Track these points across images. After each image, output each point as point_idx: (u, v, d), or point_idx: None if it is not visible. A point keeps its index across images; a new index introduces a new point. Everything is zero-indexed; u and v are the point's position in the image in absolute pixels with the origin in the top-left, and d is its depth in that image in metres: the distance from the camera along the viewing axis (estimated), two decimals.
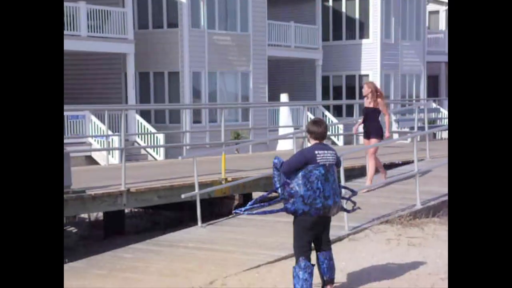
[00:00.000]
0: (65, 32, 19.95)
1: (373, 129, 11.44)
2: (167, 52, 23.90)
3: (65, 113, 19.39)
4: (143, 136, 22.30)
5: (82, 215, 12.94)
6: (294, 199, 6.49)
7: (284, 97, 23.51)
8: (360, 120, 12.06)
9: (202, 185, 10.99)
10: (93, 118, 20.78)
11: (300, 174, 6.50)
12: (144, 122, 22.37)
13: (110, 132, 18.43)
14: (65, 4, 20.22)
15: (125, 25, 22.35)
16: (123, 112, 11.52)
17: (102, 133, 19.88)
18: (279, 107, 24.49)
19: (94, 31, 21.62)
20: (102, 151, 19.70)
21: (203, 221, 10.43)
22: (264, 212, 6.94)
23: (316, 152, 6.59)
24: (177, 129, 23.10)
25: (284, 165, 6.61)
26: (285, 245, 7.54)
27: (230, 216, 11.09)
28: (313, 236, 6.69)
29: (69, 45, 19.38)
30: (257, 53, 26.35)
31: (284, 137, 18.24)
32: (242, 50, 25.82)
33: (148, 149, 22.05)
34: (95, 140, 20.69)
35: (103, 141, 19.92)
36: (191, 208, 11.18)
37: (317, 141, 6.73)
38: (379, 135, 11.49)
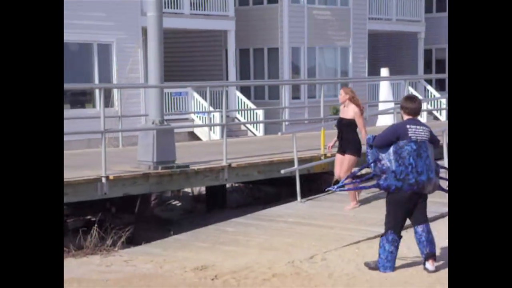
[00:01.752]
0: (169, 10, 20.39)
1: (350, 142, 9.46)
2: (267, 28, 23.98)
3: (169, 90, 19.94)
4: (243, 112, 22.58)
5: (186, 190, 13.33)
6: (386, 175, 6.53)
7: (384, 72, 23.12)
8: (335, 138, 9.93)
9: (301, 161, 11.06)
10: (195, 95, 21.23)
11: (391, 149, 6.53)
12: (244, 99, 22.64)
13: (211, 109, 18.79)
14: None
15: (226, 2, 22.60)
16: (224, 89, 11.73)
17: (204, 110, 20.30)
18: (379, 82, 24.12)
19: (196, 9, 22.00)
20: (204, 127, 20.14)
21: (302, 196, 10.53)
22: (356, 189, 6.99)
23: (408, 126, 6.60)
24: (276, 105, 23.23)
25: (376, 139, 6.67)
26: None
27: (329, 191, 11.12)
28: (406, 213, 6.71)
29: (172, 23, 19.83)
30: (357, 27, 25.98)
31: (384, 112, 17.98)
32: (342, 24, 25.54)
33: (248, 125, 22.33)
34: (197, 116, 21.17)
35: (205, 117, 20.35)
36: (290, 183, 11.29)
37: (410, 117, 6.73)
38: (356, 150, 9.49)
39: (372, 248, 7.60)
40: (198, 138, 20.42)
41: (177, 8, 21.34)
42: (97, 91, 17.83)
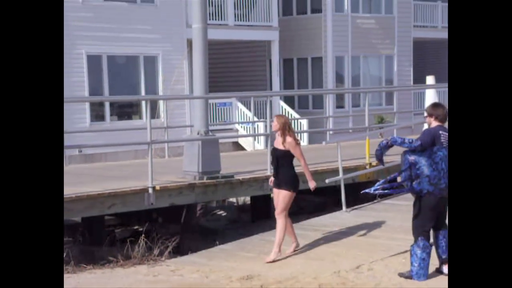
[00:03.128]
0: (213, 22, 20.58)
1: (284, 176, 8.16)
2: (311, 37, 24.00)
3: (213, 101, 20.09)
4: None
5: (231, 199, 13.40)
6: (420, 179, 6.65)
7: (430, 80, 22.83)
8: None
9: (346, 170, 11.02)
10: (240, 105, 21.35)
11: (425, 155, 6.66)
12: (288, 108, 22.66)
13: (255, 119, 18.87)
14: None
15: (270, 12, 22.70)
16: (268, 99, 11.78)
17: (248, 120, 20.39)
18: (425, 90, 23.86)
19: (241, 20, 22.16)
20: (248, 137, 20.23)
21: (348, 206, 10.48)
22: (391, 192, 7.03)
23: (441, 132, 6.75)
24: (320, 114, 23.18)
25: (418, 143, 6.68)
26: None
27: (375, 201, 11.05)
28: (435, 216, 6.82)
29: (216, 34, 20.01)
30: (402, 35, 25.79)
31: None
32: (387, 32, 25.39)
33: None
34: (241, 127, 21.27)
35: (249, 127, 20.43)
36: (335, 193, 11.25)
37: (439, 123, 6.86)
38: (292, 186, 8.15)
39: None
40: (242, 148, 20.51)
41: (221, 19, 21.53)
42: (143, 103, 18.10)
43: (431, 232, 6.95)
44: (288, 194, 8.09)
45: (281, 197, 8.11)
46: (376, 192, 7.04)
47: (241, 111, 21.40)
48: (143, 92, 19.67)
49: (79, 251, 9.23)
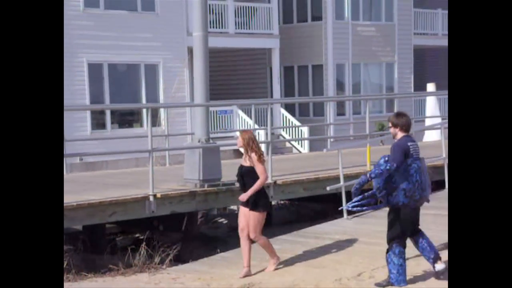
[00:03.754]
0: (214, 29, 20.63)
1: (253, 195, 7.67)
2: (311, 45, 24.04)
3: (214, 109, 20.11)
4: (288, 129, 22.62)
5: (232, 207, 13.39)
6: (396, 192, 6.68)
7: (430, 87, 22.88)
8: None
9: (347, 177, 11.01)
10: (240, 113, 21.37)
11: (401, 168, 6.64)
12: (289, 116, 22.68)
13: (256, 126, 18.89)
14: (213, 2, 20.94)
15: (270, 20, 22.76)
16: (268, 106, 11.80)
17: (248, 127, 20.40)
18: (426, 97, 23.88)
19: (241, 28, 22.21)
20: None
21: (349, 213, 10.47)
22: (369, 209, 7.05)
23: (409, 144, 6.75)
24: (321, 121, 23.20)
25: (393, 163, 6.65)
26: (433, 238, 7.42)
27: (376, 207, 11.02)
28: (410, 226, 6.90)
29: (217, 42, 20.06)
30: (402, 42, 25.84)
31: (431, 128, 17.79)
32: (387, 40, 25.43)
33: (293, 142, 22.34)
34: None
35: None
36: (336, 200, 11.24)
37: (405, 134, 6.85)
38: (262, 205, 7.71)
39: (420, 265, 7.51)
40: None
41: (222, 27, 21.58)
42: (144, 111, 18.12)
43: (408, 240, 7.03)
44: (258, 215, 7.64)
45: (251, 219, 7.62)
46: (354, 209, 7.06)
47: (242, 119, 21.42)
48: (144, 100, 19.69)
49: (80, 259, 9.23)
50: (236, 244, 10.02)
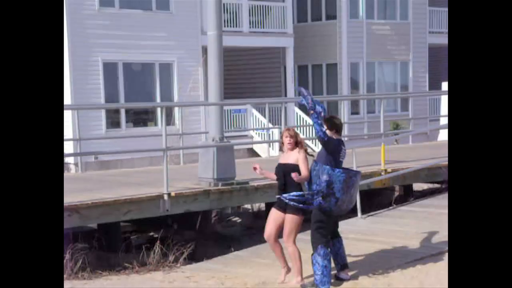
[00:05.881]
0: (228, 28, 20.66)
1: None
2: (325, 44, 24.00)
3: (228, 107, 20.13)
4: (301, 128, 22.59)
5: (246, 206, 13.40)
6: (329, 198, 6.89)
7: (445, 86, 22.78)
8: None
9: (362, 176, 10.96)
10: (254, 112, 21.37)
11: (342, 177, 6.90)
12: (303, 114, 22.64)
13: (270, 125, 18.89)
14: (228, 1, 20.96)
15: (285, 19, 22.74)
16: (282, 105, 11.79)
17: (262, 126, 20.41)
18: (441, 96, 23.77)
19: (255, 27, 22.21)
20: (263, 144, 20.23)
21: (363, 212, 10.45)
22: (302, 207, 7.02)
23: (342, 147, 7.13)
24: None
25: (324, 132, 6.97)
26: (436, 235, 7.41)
27: (391, 207, 11.01)
28: (331, 230, 7.20)
29: (231, 41, 20.06)
30: (417, 41, 25.72)
31: (446, 127, 17.71)
32: (402, 39, 25.33)
33: (307, 141, 22.30)
34: (256, 133, 21.28)
35: (264, 134, 20.44)
36: None
37: (339, 136, 7.18)
38: (301, 208, 7.13)
39: (435, 265, 7.49)
40: (257, 155, 20.51)
41: (236, 26, 21.59)
42: (159, 110, 18.17)
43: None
44: (299, 220, 7.18)
45: (289, 223, 7.17)
46: (291, 203, 7.02)
47: (256, 118, 21.42)
48: (158, 99, 19.75)
49: (95, 257, 9.26)
50: (250, 242, 10.04)
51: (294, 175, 6.97)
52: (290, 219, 7.13)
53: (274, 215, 7.31)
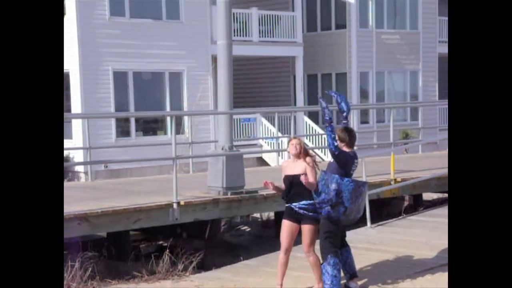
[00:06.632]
0: (238, 38, 20.72)
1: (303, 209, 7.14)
2: (335, 53, 24.02)
3: (238, 116, 20.16)
4: (311, 137, 22.59)
5: (255, 215, 13.40)
6: (337, 207, 6.88)
7: None
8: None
9: (371, 186, 10.96)
10: (264, 121, 21.39)
11: (351, 187, 6.89)
12: (312, 123, 22.66)
13: (279, 134, 18.89)
14: (238, 10, 21.04)
15: (294, 28, 22.79)
16: (292, 114, 11.80)
17: (272, 135, 20.42)
18: None
19: (265, 36, 22.26)
20: (273, 153, 20.24)
21: (372, 221, 10.43)
22: (311, 215, 7.04)
23: (355, 161, 7.11)
24: None
25: (335, 144, 6.98)
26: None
27: (400, 217, 10.98)
28: (340, 239, 7.19)
29: (241, 50, 20.12)
30: (427, 50, 25.70)
31: None
32: (411, 48, 25.32)
33: (316, 150, 22.29)
34: (265, 142, 21.29)
35: (273, 143, 20.45)
36: None
37: (351, 149, 7.15)
38: (314, 216, 7.10)
39: (445, 275, 7.45)
40: (266, 164, 20.52)
41: (246, 35, 21.65)
42: (168, 118, 18.23)
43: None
44: (315, 228, 7.13)
45: (308, 233, 7.12)
46: (300, 211, 7.01)
47: (265, 127, 21.44)
48: (168, 108, 19.81)
49: (104, 266, 9.28)
50: (259, 251, 10.02)
51: (303, 177, 6.95)
52: (309, 229, 7.09)
53: (290, 227, 7.19)
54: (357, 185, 6.95)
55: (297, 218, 7.12)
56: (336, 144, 6.98)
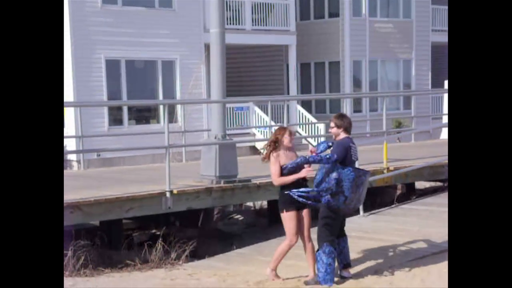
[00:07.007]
0: (231, 26, 20.66)
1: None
2: (328, 42, 23.99)
3: (231, 105, 20.13)
4: (304, 126, 22.59)
5: (248, 204, 13.40)
6: (338, 196, 6.87)
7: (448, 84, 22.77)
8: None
9: None
10: (257, 109, 21.37)
11: (351, 176, 6.87)
12: (305, 112, 22.65)
13: (272, 123, 18.88)
14: None
15: (287, 17, 22.72)
16: (285, 103, 11.79)
17: (265, 124, 20.40)
18: (443, 94, 23.75)
19: (258, 24, 22.20)
20: (265, 142, 20.22)
21: (365, 210, 10.45)
22: (310, 203, 7.02)
23: (351, 145, 7.04)
24: None
25: (333, 157, 6.90)
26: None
27: (393, 206, 11.00)
28: (338, 228, 7.20)
29: (234, 38, 20.05)
30: (420, 39, 25.69)
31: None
32: (405, 37, 25.30)
33: (309, 139, 22.30)
34: (258, 131, 21.28)
35: (266, 132, 20.44)
36: None
37: (347, 135, 7.11)
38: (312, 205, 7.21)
39: (437, 263, 7.49)
40: (259, 153, 20.51)
41: (239, 24, 21.58)
42: (161, 107, 18.17)
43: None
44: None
45: (308, 218, 7.21)
46: (300, 199, 6.98)
47: (258, 116, 21.42)
48: (160, 97, 19.76)
49: (97, 254, 9.27)
50: (252, 240, 10.04)
51: (306, 169, 7.05)
52: (309, 214, 7.20)
53: (299, 217, 7.16)
54: (357, 175, 6.92)
55: (301, 207, 7.16)
56: (326, 157, 6.92)
